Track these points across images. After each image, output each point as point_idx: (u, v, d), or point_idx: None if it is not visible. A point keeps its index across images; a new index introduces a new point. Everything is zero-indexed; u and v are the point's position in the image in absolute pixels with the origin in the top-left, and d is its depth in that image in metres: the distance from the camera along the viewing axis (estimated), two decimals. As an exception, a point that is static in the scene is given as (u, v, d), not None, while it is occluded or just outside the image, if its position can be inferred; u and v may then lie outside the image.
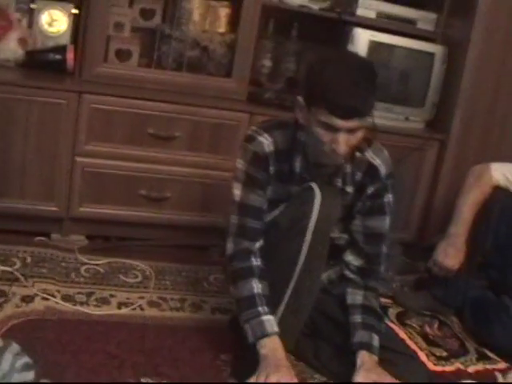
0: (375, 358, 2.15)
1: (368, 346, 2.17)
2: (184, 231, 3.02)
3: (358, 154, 2.20)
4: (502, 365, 2.60)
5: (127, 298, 2.58)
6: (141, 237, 3.04)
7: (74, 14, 2.97)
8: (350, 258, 2.32)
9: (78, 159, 2.86)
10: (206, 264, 2.98)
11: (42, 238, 2.91)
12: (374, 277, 2.31)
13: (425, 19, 3.29)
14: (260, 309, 2.09)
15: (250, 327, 2.09)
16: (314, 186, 2.12)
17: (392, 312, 2.88)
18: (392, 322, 2.79)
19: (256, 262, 2.15)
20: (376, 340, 2.19)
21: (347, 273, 2.33)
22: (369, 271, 2.30)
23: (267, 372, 1.98)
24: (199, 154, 2.97)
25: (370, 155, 2.22)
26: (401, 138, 3.20)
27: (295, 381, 2.00)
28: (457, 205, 2.83)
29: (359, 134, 2.04)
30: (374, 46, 3.11)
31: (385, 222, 2.29)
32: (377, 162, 2.22)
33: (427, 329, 2.79)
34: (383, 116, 3.14)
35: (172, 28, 2.98)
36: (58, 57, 2.91)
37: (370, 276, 2.30)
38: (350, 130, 1.99)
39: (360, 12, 3.18)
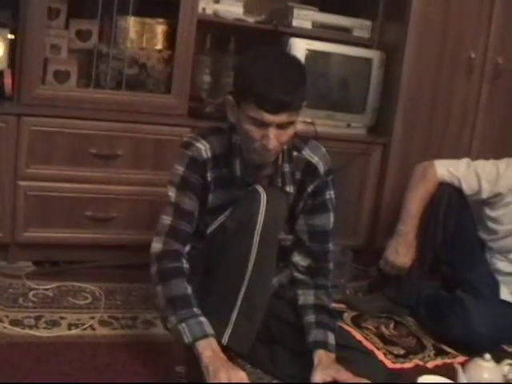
0: (332, 355, 2.13)
1: (324, 344, 2.14)
2: (133, 250, 2.96)
3: (295, 153, 2.21)
4: (461, 358, 2.61)
5: (77, 319, 2.52)
6: (89, 259, 2.99)
7: (10, 39, 2.94)
8: (298, 258, 2.30)
9: (21, 183, 2.81)
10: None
11: (-12, 266, 2.87)
12: (323, 275, 2.30)
13: (360, 27, 3.35)
14: (196, 310, 2.03)
15: (186, 327, 1.99)
16: (259, 187, 2.10)
17: (347, 316, 2.88)
18: (348, 325, 2.78)
19: (186, 264, 2.11)
20: (331, 338, 2.17)
21: (296, 274, 2.31)
22: (317, 270, 2.29)
23: (225, 372, 1.89)
24: (143, 172, 2.95)
25: (307, 153, 2.23)
26: (344, 144, 3.23)
27: (245, 379, 1.93)
28: (404, 202, 2.86)
29: (290, 130, 2.03)
30: (312, 55, 3.15)
31: (328, 219, 2.28)
32: (315, 159, 2.23)
33: (383, 329, 2.79)
34: (325, 123, 3.18)
35: (109, 47, 2.96)
36: (-5, 82, 2.88)
37: (319, 274, 2.29)
38: (281, 126, 1.99)
39: (296, 23, 3.21)
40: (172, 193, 2.16)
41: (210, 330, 2.01)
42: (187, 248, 2.15)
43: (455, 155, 3.01)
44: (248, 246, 2.09)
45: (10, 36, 2.94)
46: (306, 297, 2.28)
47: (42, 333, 2.39)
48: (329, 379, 2.02)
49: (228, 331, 2.08)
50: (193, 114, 3.05)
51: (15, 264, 2.91)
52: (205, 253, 2.19)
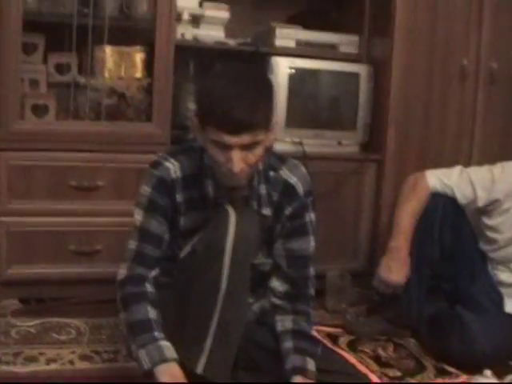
0: (310, 382, 1.99)
1: (302, 371, 2.00)
2: (120, 283, 2.90)
3: (271, 173, 2.08)
4: (463, 378, 2.46)
5: (57, 355, 2.44)
6: (75, 294, 2.92)
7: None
8: (276, 283, 2.16)
9: (2, 219, 2.78)
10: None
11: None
12: (302, 300, 2.15)
13: (347, 42, 3.26)
14: (156, 333, 1.91)
15: (145, 353, 1.88)
16: (229, 207, 1.98)
17: (343, 340, 2.75)
18: (343, 349, 2.64)
19: (150, 288, 2.01)
20: (311, 364, 2.03)
21: (274, 299, 2.16)
22: (296, 296, 2.15)
23: None
24: (126, 202, 2.81)
25: (284, 173, 2.10)
26: (335, 163, 3.14)
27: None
28: (395, 217, 2.73)
29: (258, 151, 1.90)
30: (296, 73, 3.07)
31: (308, 243, 2.14)
32: (293, 179, 2.09)
33: (380, 352, 2.65)
34: (314, 143, 3.09)
35: (87, 78, 2.93)
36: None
37: (298, 300, 2.14)
38: (245, 147, 1.86)
39: (279, 42, 3.14)
40: (138, 216, 2.06)
41: (170, 354, 1.89)
42: (154, 272, 2.04)
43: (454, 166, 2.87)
44: (218, 270, 1.95)
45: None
46: (284, 322, 2.13)
47: (19, 369, 2.31)
48: None
49: (203, 360, 1.95)
50: (176, 142, 2.95)
51: (0, 303, 2.84)
52: (178, 278, 2.07)
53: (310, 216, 2.15)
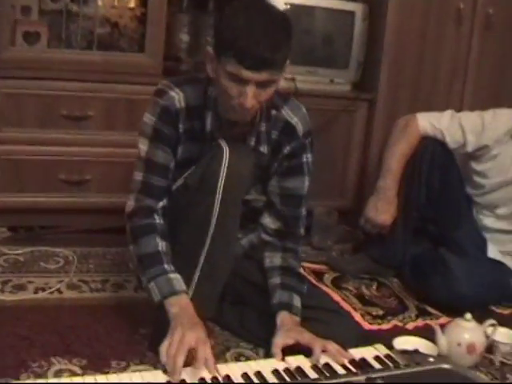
0: (296, 318, 2.05)
1: (288, 306, 2.06)
2: (109, 214, 2.84)
3: (273, 111, 2.09)
4: (444, 319, 2.51)
5: (45, 283, 2.47)
6: (64, 223, 2.93)
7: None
8: (267, 220, 2.20)
9: (-8, 147, 2.78)
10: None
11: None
12: (292, 239, 2.20)
13: (343, -20, 3.21)
14: (166, 266, 1.96)
15: (155, 285, 1.93)
16: (222, 142, 1.99)
17: (327, 277, 2.79)
18: (327, 286, 2.69)
19: (159, 220, 2.03)
20: (297, 300, 2.08)
21: (264, 236, 2.21)
22: (287, 233, 2.19)
23: (183, 330, 1.80)
24: (117, 133, 2.87)
25: (286, 113, 2.11)
26: (327, 101, 3.12)
27: (202, 342, 1.81)
28: (384, 158, 2.74)
29: (270, 90, 1.91)
30: (292, 9, 3.01)
31: (303, 183, 2.17)
32: (294, 119, 2.11)
33: (364, 290, 2.71)
34: (307, 80, 3.06)
35: (80, 6, 2.88)
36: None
37: (288, 238, 2.19)
38: (261, 84, 1.86)
39: (275, -22, 3.08)
40: (143, 145, 2.07)
41: (179, 286, 1.95)
42: (161, 203, 2.06)
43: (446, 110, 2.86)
44: (210, 203, 1.99)
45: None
46: (273, 259, 2.19)
47: (7, 297, 2.33)
48: (291, 342, 1.92)
49: (190, 292, 1.99)
50: (168, 73, 2.93)
51: (-12, 230, 2.88)
52: (170, 211, 2.09)
53: (307, 157, 2.18)
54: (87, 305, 2.37)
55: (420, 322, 2.52)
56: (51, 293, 2.41)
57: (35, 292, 2.40)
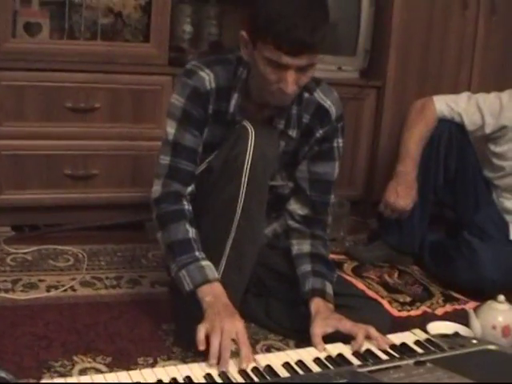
0: (331, 305, 1.95)
1: (322, 293, 1.96)
2: (116, 210, 2.82)
3: (306, 94, 2.00)
4: (471, 304, 2.44)
5: (57, 281, 2.37)
6: (71, 220, 2.83)
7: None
8: (295, 206, 2.11)
9: (-6, 142, 2.67)
10: (143, 242, 2.74)
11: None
12: (320, 226, 2.11)
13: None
14: (197, 253, 1.86)
15: (187, 273, 1.84)
16: (247, 124, 1.91)
17: (347, 267, 2.72)
18: (348, 275, 2.62)
19: (187, 205, 1.93)
20: (329, 287, 1.99)
21: (291, 223, 2.12)
22: (315, 220, 2.10)
23: (220, 319, 1.71)
24: (123, 125, 2.78)
25: (319, 96, 2.02)
26: (335, 88, 2.88)
27: (241, 329, 1.72)
28: (402, 142, 2.67)
29: (310, 73, 1.83)
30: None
31: (333, 169, 2.09)
32: (327, 103, 2.03)
33: (387, 278, 2.64)
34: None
35: (82, -4, 2.80)
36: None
37: (316, 225, 2.10)
38: (300, 68, 1.77)
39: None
40: (171, 128, 1.96)
41: (212, 274, 1.85)
42: (190, 188, 1.97)
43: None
44: (235, 188, 1.91)
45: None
46: (301, 246, 2.10)
47: (19, 296, 2.23)
48: (330, 330, 1.82)
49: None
50: (174, 63, 2.85)
51: (-8, 230, 2.76)
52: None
53: (339, 141, 2.10)
54: (103, 302, 2.27)
55: (448, 307, 2.46)
56: (65, 290, 2.31)
57: (48, 290, 2.30)
